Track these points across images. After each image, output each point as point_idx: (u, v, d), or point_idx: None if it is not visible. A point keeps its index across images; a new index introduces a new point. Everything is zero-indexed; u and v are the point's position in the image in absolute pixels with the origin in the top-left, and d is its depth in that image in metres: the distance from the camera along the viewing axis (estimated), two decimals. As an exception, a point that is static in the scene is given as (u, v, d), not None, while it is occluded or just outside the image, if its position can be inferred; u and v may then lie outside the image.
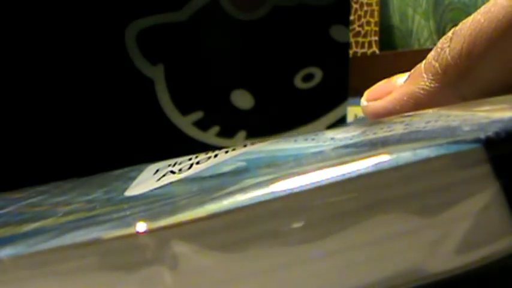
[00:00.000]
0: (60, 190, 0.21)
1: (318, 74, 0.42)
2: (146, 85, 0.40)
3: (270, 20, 0.41)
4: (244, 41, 0.41)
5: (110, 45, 0.39)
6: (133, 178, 0.17)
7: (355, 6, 0.43)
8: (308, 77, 0.42)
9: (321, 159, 0.11)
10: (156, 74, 0.40)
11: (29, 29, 0.38)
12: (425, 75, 0.16)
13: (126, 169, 0.21)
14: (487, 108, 0.13)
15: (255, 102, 0.41)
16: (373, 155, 0.10)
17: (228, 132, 0.41)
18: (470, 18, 0.16)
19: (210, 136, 0.41)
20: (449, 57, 0.16)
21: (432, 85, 0.16)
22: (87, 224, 0.11)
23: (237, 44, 0.41)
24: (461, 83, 0.16)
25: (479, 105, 0.13)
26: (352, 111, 0.37)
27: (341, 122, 0.41)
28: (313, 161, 0.11)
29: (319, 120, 0.42)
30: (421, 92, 0.16)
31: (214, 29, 0.41)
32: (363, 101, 0.18)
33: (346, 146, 0.12)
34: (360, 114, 0.36)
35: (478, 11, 0.15)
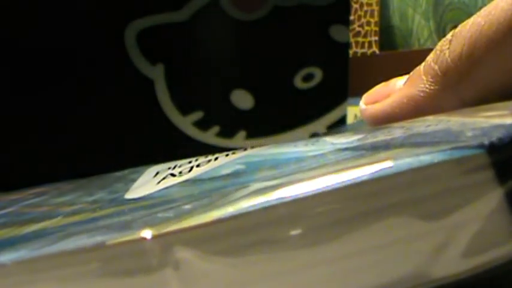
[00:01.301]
0: (60, 191, 0.21)
1: (318, 74, 0.42)
2: (146, 85, 0.40)
3: (270, 20, 0.41)
4: (244, 41, 0.41)
5: (110, 45, 0.39)
6: (135, 180, 0.17)
7: (355, 6, 0.43)
8: (308, 77, 0.42)
9: (323, 163, 0.11)
10: (156, 74, 0.40)
11: (28, 28, 0.38)
12: (424, 78, 0.16)
13: (127, 171, 0.21)
14: (487, 114, 0.13)
15: (255, 102, 0.41)
16: (377, 161, 0.10)
17: (228, 132, 0.41)
18: (470, 21, 0.16)
19: (210, 136, 0.41)
20: (449, 60, 0.16)
21: (432, 87, 0.16)
22: (90, 228, 0.11)
23: (237, 44, 0.41)
24: (461, 85, 0.16)
25: (479, 112, 0.13)
26: (352, 111, 0.37)
27: (341, 122, 0.41)
28: (314, 164, 0.11)
29: (319, 120, 0.42)
30: (421, 94, 0.16)
31: (214, 29, 0.41)
32: (362, 104, 0.18)
33: (347, 149, 0.12)
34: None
35: (478, 13, 0.15)
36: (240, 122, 0.41)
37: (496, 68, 0.15)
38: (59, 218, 0.14)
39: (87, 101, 0.39)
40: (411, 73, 0.17)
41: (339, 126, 0.41)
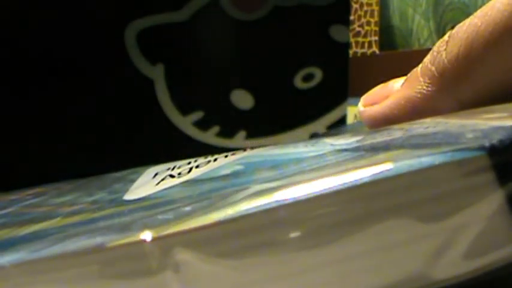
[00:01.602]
0: (60, 191, 0.21)
1: (318, 74, 0.42)
2: (146, 85, 0.40)
3: (270, 20, 0.41)
4: (244, 41, 0.41)
5: (110, 45, 0.39)
6: (134, 181, 0.17)
7: (355, 6, 0.43)
8: (308, 77, 0.42)
9: (322, 164, 0.11)
10: (156, 74, 0.40)
11: (29, 28, 0.38)
12: (421, 79, 0.16)
13: (126, 171, 0.21)
14: (486, 116, 0.13)
15: (255, 102, 0.41)
16: (377, 163, 0.10)
17: (228, 132, 0.41)
18: (467, 22, 0.16)
19: (210, 136, 0.41)
20: (446, 61, 0.16)
21: (429, 89, 0.16)
22: (90, 230, 0.11)
23: (237, 44, 0.41)
24: (458, 86, 0.16)
25: (478, 114, 0.13)
26: (352, 111, 0.37)
27: (341, 122, 0.41)
28: (313, 165, 0.11)
29: (319, 120, 0.42)
30: (418, 96, 0.16)
31: (214, 29, 0.41)
32: (360, 106, 0.18)
33: (347, 150, 0.12)
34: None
35: (475, 14, 0.15)
36: (240, 122, 0.41)
37: (493, 68, 0.15)
38: (59, 218, 0.14)
39: (87, 101, 0.39)
40: (409, 74, 0.17)
41: (339, 126, 0.41)
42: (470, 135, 0.10)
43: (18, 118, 0.38)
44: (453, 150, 0.10)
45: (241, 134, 0.41)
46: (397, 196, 0.09)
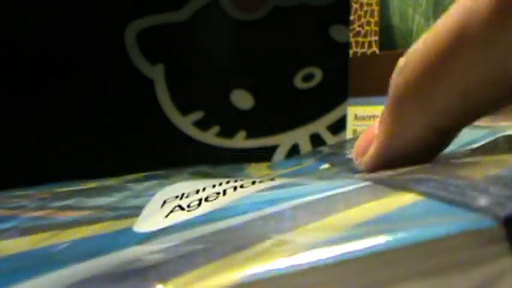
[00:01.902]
0: (98, 191, 0.21)
1: (318, 74, 0.42)
2: (146, 85, 0.40)
3: (270, 20, 0.41)
4: (245, 41, 0.41)
5: (110, 45, 0.39)
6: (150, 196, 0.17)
7: (355, 6, 0.43)
8: (308, 77, 0.42)
9: (333, 206, 0.11)
10: (156, 74, 0.40)
11: (29, 28, 0.38)
12: (388, 119, 0.16)
13: (141, 180, 0.21)
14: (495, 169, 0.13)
15: (255, 102, 0.41)
16: (391, 231, 0.10)
17: (228, 132, 0.41)
18: (420, 41, 0.15)
19: (210, 136, 0.41)
20: (403, 87, 0.15)
21: (395, 126, 0.15)
22: (104, 276, 0.11)
23: (237, 44, 0.41)
24: (422, 109, 0.15)
25: (486, 166, 0.13)
26: (352, 111, 0.37)
27: (341, 122, 0.41)
28: (325, 208, 0.11)
29: (319, 120, 0.42)
30: (388, 138, 0.16)
31: (214, 29, 0.41)
32: (354, 159, 0.17)
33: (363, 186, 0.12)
34: (360, 114, 0.36)
35: (429, 31, 0.15)
36: (240, 122, 0.41)
37: (451, 85, 0.14)
38: (107, 223, 0.14)
39: (87, 101, 0.39)
40: (380, 115, 0.16)
41: (339, 125, 0.41)
42: (483, 202, 0.10)
43: (18, 118, 0.38)
44: (467, 219, 0.09)
45: (241, 134, 0.41)
46: (408, 265, 0.09)
